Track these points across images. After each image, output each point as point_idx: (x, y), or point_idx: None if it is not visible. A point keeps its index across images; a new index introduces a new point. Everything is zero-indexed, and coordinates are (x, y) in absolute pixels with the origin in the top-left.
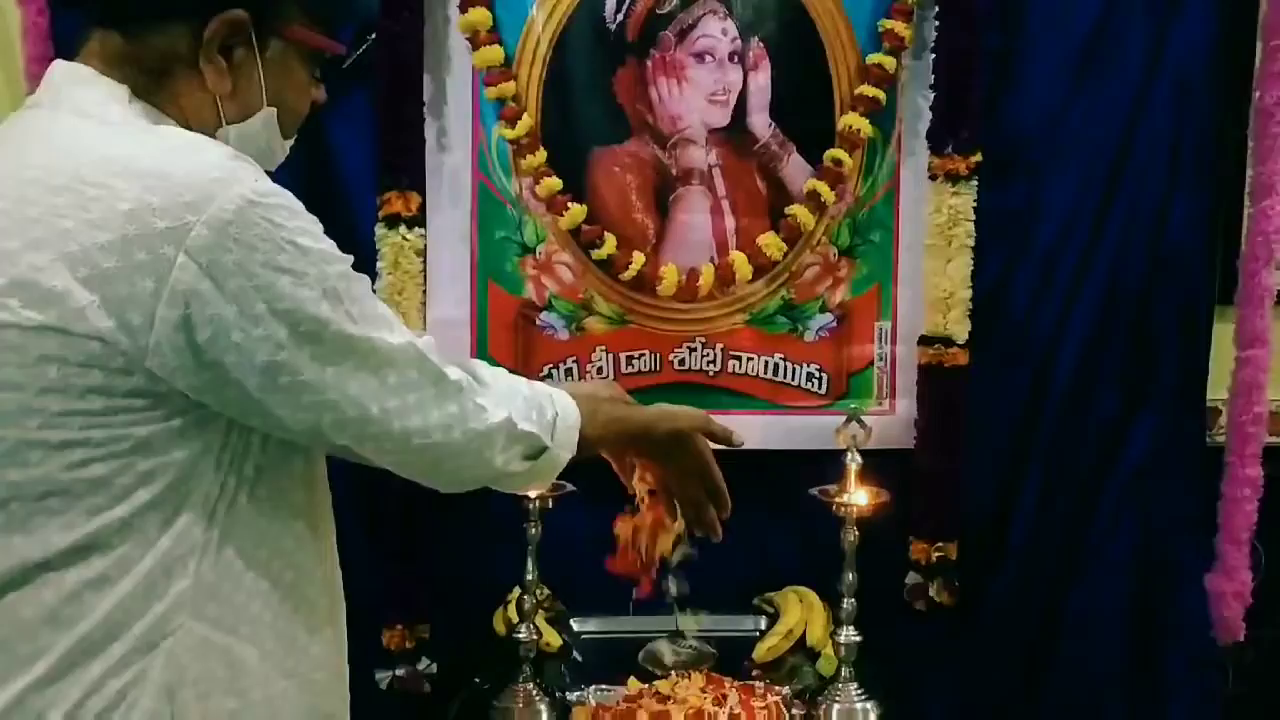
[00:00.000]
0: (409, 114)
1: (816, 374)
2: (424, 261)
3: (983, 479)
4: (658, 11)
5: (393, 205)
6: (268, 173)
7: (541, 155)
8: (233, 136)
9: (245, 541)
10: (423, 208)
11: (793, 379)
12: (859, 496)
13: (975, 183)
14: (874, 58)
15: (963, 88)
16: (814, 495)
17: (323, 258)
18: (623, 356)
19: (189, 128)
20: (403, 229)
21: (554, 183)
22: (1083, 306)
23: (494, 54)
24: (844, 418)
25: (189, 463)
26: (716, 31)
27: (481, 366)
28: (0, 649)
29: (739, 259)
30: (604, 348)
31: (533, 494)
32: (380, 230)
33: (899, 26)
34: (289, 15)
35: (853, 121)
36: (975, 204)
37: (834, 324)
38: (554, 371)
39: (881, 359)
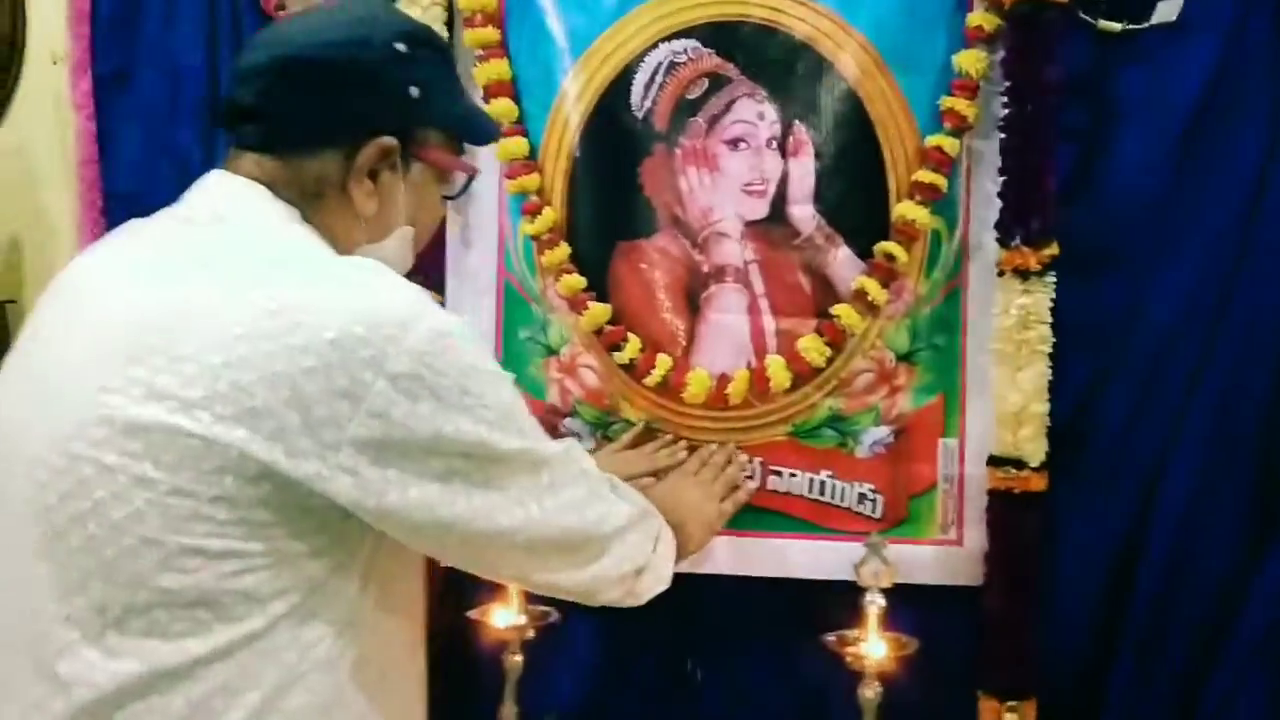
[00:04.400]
0: None
1: (870, 495)
2: None
3: (1070, 629)
4: (687, 97)
5: None
6: None
7: (564, 251)
8: (372, 254)
9: (366, 654)
10: (443, 306)
11: (842, 500)
12: (876, 647)
13: (1051, 279)
14: (933, 139)
15: (1034, 171)
16: (829, 641)
17: (499, 380)
18: None
19: (336, 247)
20: None
21: (575, 280)
22: (1194, 428)
23: (517, 146)
24: (864, 550)
25: (322, 579)
26: (752, 116)
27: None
28: None
29: (775, 365)
30: None
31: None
32: None
33: (961, 104)
34: (430, 140)
35: (908, 211)
36: (1052, 304)
37: (890, 439)
38: None
39: (947, 481)
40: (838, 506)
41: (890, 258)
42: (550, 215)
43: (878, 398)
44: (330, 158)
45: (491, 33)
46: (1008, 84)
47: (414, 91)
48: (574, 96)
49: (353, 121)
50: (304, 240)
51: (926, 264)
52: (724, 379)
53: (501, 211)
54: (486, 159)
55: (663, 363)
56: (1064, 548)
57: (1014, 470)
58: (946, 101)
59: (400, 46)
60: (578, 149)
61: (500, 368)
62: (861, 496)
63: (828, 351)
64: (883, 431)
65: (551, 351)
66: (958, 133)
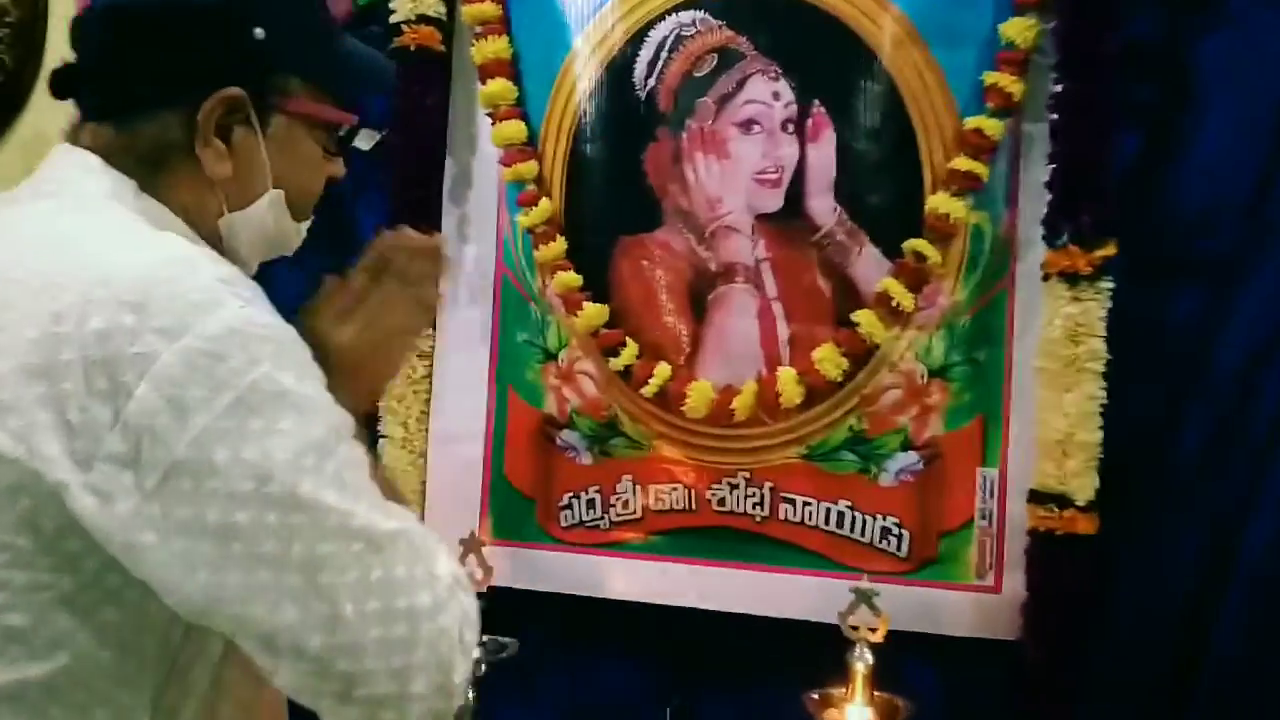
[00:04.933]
0: (424, 199)
1: (895, 530)
2: (430, 366)
3: (1128, 695)
4: (695, 74)
5: None
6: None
7: (560, 245)
8: (237, 224)
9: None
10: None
11: (862, 534)
12: (861, 712)
13: (1106, 284)
14: (972, 121)
15: (1088, 157)
16: (810, 700)
17: (308, 405)
18: (651, 490)
19: (191, 221)
20: None
21: (570, 278)
22: None
23: (514, 130)
24: (853, 594)
25: (128, 629)
26: (766, 95)
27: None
28: None
29: (786, 377)
30: (630, 478)
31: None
32: None
33: (1006, 80)
34: (290, 89)
35: (942, 204)
36: (1106, 313)
37: (920, 466)
38: (574, 503)
39: (985, 517)
40: (857, 542)
41: (920, 257)
42: (546, 206)
43: (906, 418)
44: (170, 118)
45: (491, 8)
46: (1062, 53)
47: (259, 33)
48: (575, 75)
49: (188, 74)
50: (115, 216)
51: (966, 265)
52: (729, 391)
53: (501, 202)
54: (489, 147)
55: (661, 372)
56: (1121, 601)
57: (1056, 508)
58: (990, 77)
59: None
60: (577, 134)
61: (330, 400)
62: (885, 531)
63: (845, 364)
64: (911, 458)
65: (550, 356)
66: (1003, 113)
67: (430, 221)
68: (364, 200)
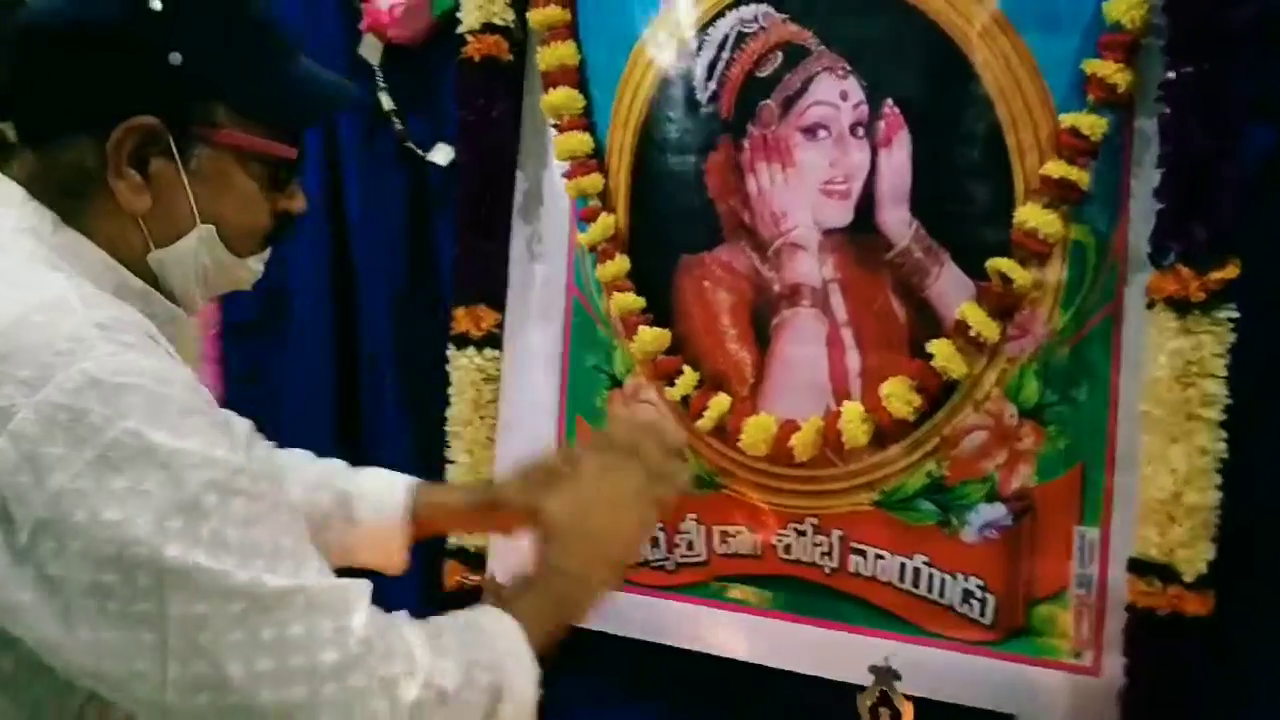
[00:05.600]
0: (492, 215)
1: (978, 593)
2: (498, 391)
3: None
4: (757, 74)
5: (459, 324)
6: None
7: (620, 264)
8: (166, 261)
9: None
10: (502, 325)
11: (941, 595)
12: None
13: (1227, 314)
14: (1069, 118)
15: (1204, 157)
16: None
17: (179, 461)
18: (716, 531)
19: (117, 256)
20: (472, 351)
21: (629, 299)
22: None
23: (577, 142)
24: (873, 671)
25: (22, 677)
26: (833, 96)
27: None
28: None
29: (850, 414)
30: (694, 517)
31: None
32: (450, 352)
33: (1109, 69)
34: (214, 118)
35: (1031, 217)
36: (1225, 349)
37: (1008, 521)
38: None
39: (1083, 585)
40: (935, 603)
41: (1006, 279)
42: (607, 222)
43: (993, 465)
44: (85, 146)
45: (557, 12)
46: (1171, 35)
47: (175, 58)
48: (636, 81)
49: (97, 99)
50: (13, 254)
51: (1065, 288)
52: (790, 427)
53: (573, 218)
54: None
55: (717, 403)
56: (1243, 697)
57: (1160, 583)
58: (1091, 65)
59: (155, 4)
60: (640, 144)
61: (217, 449)
62: (967, 594)
63: (917, 400)
64: (998, 510)
65: (616, 382)
66: (1106, 108)
67: (497, 239)
68: (443, 217)
